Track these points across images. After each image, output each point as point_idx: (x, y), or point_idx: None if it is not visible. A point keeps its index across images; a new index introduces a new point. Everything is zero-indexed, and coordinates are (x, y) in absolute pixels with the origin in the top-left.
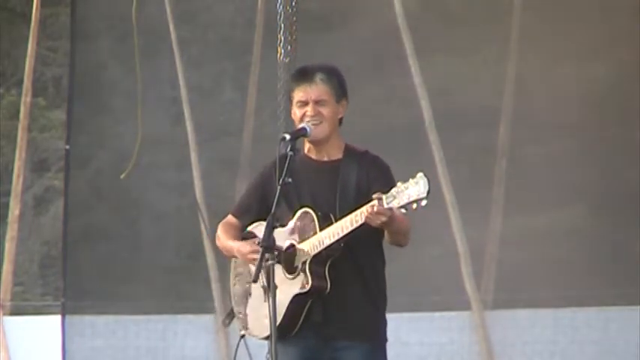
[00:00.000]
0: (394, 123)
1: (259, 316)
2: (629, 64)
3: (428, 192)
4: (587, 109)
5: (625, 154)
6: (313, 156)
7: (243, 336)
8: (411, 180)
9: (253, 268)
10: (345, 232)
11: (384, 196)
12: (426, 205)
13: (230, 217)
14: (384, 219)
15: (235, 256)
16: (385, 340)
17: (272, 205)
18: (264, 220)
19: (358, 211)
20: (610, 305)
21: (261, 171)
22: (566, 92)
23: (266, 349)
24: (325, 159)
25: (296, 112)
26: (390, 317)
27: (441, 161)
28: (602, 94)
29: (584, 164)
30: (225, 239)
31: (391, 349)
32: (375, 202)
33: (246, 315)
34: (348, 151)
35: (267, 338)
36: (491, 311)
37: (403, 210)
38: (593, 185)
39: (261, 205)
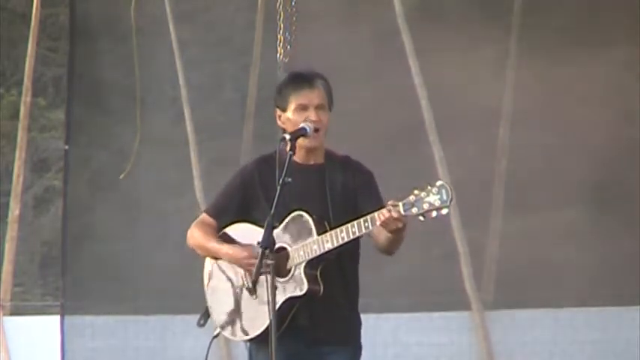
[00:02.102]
0: (394, 123)
1: (244, 318)
2: (629, 64)
3: (451, 200)
4: (587, 109)
5: (625, 154)
6: (299, 160)
7: (216, 335)
8: (429, 188)
9: (240, 271)
10: (352, 237)
11: (400, 203)
12: (447, 213)
13: (206, 217)
14: (400, 225)
15: (216, 258)
16: (361, 343)
17: (252, 208)
18: (241, 221)
19: (368, 217)
20: (609, 305)
21: (240, 172)
22: (566, 92)
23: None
24: (310, 162)
25: (291, 118)
26: (389, 317)
27: (441, 161)
28: (602, 94)
29: (583, 164)
30: (205, 240)
31: (390, 350)
32: (391, 207)
33: (225, 316)
34: (329, 155)
35: (251, 340)
36: (491, 311)
37: (421, 218)
38: (592, 185)
39: (240, 208)
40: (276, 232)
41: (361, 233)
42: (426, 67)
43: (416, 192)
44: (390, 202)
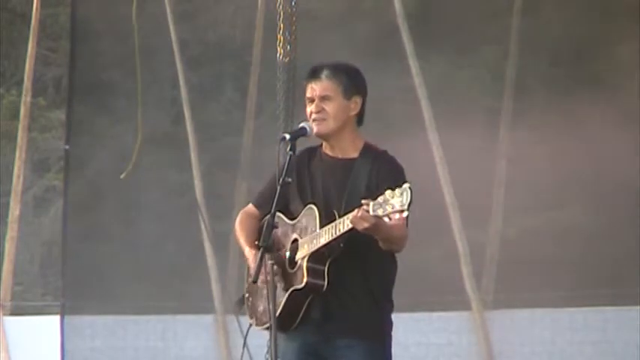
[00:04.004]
0: (394, 123)
1: (264, 309)
2: (629, 64)
3: (409, 204)
4: (587, 109)
5: (625, 154)
6: (329, 152)
7: (252, 324)
8: (397, 190)
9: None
10: (338, 233)
11: (371, 203)
12: (408, 216)
13: (250, 207)
14: (366, 225)
15: None
16: (388, 338)
17: (288, 200)
18: (281, 211)
19: (350, 214)
20: (609, 305)
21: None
22: (566, 92)
23: (266, 349)
24: (339, 156)
25: (307, 110)
26: None
27: (441, 161)
28: (601, 94)
29: (583, 164)
30: (240, 232)
31: None
32: (363, 206)
33: (254, 304)
34: (366, 150)
35: (267, 329)
36: (491, 311)
37: (387, 219)
38: (592, 185)
39: (280, 199)
40: (293, 223)
41: (345, 230)
42: (426, 67)
43: (387, 193)
44: (364, 201)
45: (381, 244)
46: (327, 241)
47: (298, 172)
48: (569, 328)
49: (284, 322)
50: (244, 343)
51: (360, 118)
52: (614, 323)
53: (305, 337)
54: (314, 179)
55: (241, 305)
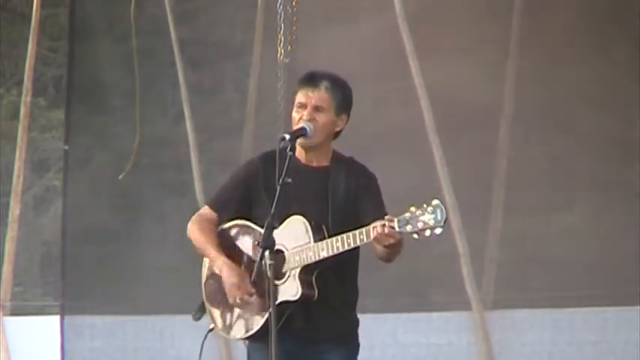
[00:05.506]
0: (394, 123)
1: (239, 317)
2: (629, 64)
3: (445, 221)
4: (587, 109)
5: (625, 154)
6: (302, 160)
7: (210, 330)
8: (425, 206)
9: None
10: (347, 248)
11: (395, 219)
12: (440, 233)
13: (207, 210)
14: (392, 241)
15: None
16: (359, 342)
17: (253, 205)
18: (241, 217)
19: (363, 230)
20: (609, 306)
21: (245, 166)
22: (566, 92)
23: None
24: (314, 165)
25: (294, 115)
26: (388, 318)
27: (441, 161)
28: (602, 94)
29: (583, 164)
30: (202, 239)
31: (389, 350)
32: (386, 222)
33: (220, 313)
34: (335, 158)
35: (245, 339)
36: (491, 311)
37: (415, 236)
38: (592, 185)
39: (242, 203)
40: (275, 233)
41: (356, 245)
42: (426, 68)
43: (412, 209)
44: (386, 218)
45: (383, 254)
46: (331, 255)
47: (265, 178)
48: (569, 328)
49: (263, 333)
50: (201, 347)
51: (338, 134)
52: (614, 323)
53: (283, 347)
54: (287, 186)
55: (202, 313)
